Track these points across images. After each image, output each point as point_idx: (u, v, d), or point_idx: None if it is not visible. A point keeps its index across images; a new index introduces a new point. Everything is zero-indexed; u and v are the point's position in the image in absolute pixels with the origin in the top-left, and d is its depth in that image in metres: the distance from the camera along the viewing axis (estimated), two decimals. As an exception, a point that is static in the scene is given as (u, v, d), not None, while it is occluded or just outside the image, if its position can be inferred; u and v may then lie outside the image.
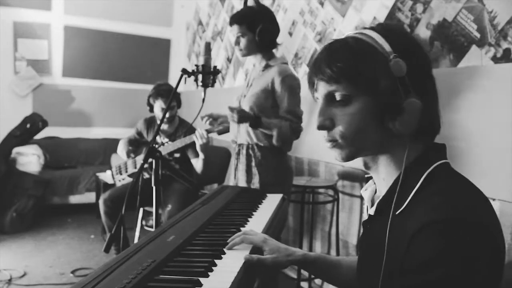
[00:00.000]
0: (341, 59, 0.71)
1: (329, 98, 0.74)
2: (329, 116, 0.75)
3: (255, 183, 2.05)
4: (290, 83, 2.00)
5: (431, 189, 0.68)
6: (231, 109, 1.94)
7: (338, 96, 0.73)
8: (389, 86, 0.70)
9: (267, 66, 2.09)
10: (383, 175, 0.76)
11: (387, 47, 0.70)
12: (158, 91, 2.88)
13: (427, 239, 0.62)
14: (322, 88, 0.75)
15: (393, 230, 0.69)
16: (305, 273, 2.65)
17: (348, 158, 0.75)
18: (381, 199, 0.75)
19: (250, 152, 2.08)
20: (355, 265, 0.94)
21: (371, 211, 0.78)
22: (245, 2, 2.16)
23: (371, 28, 0.74)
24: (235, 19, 2.07)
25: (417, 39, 0.80)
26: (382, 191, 0.77)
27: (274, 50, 2.14)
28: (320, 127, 0.76)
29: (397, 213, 0.70)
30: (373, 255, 0.74)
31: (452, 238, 0.61)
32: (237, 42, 2.09)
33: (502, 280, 0.65)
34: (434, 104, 0.74)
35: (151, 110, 2.98)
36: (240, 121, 1.95)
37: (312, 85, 0.77)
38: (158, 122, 2.95)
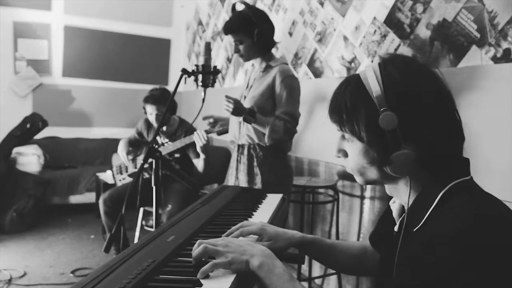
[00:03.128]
0: (337, 112, 0.79)
1: (341, 133, 0.82)
2: (341, 148, 0.83)
3: (258, 183, 2.05)
4: (291, 84, 2.00)
5: (445, 207, 0.71)
6: (228, 99, 1.90)
7: (343, 134, 0.81)
8: (378, 139, 0.73)
9: (267, 67, 2.08)
10: (405, 199, 0.80)
11: (381, 97, 0.72)
12: (147, 96, 2.88)
13: (426, 248, 0.67)
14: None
15: (408, 246, 0.74)
16: (305, 273, 2.65)
17: (365, 184, 0.84)
18: (401, 219, 0.82)
19: (252, 152, 2.08)
20: (350, 250, 1.05)
21: (396, 228, 0.84)
22: (233, 8, 2.12)
23: (382, 63, 0.76)
24: (230, 28, 2.03)
25: (431, 71, 0.77)
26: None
27: (273, 50, 2.13)
28: (337, 156, 0.85)
29: (414, 230, 0.74)
30: (390, 269, 0.78)
31: (447, 252, 0.64)
32: (237, 49, 2.06)
33: None
34: (439, 147, 0.74)
35: (146, 112, 2.99)
36: (235, 112, 1.92)
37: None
38: (154, 125, 2.96)
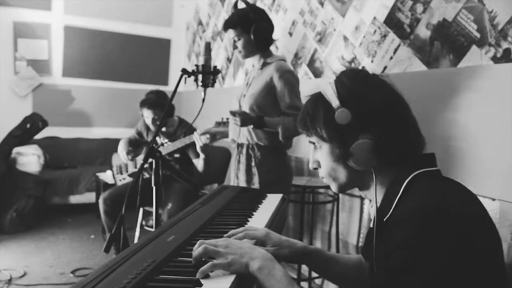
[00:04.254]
0: (301, 119, 0.91)
1: (312, 144, 0.92)
2: (315, 159, 0.92)
3: (255, 183, 2.05)
4: (288, 78, 2.01)
5: (408, 194, 0.78)
6: (233, 113, 1.93)
7: (312, 143, 0.91)
8: (337, 134, 0.83)
9: (264, 64, 2.10)
10: (378, 199, 0.87)
11: (334, 99, 0.83)
12: (143, 100, 2.91)
13: (395, 232, 0.72)
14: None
15: (382, 235, 0.80)
16: (305, 273, 2.65)
17: (339, 191, 0.92)
18: (375, 215, 0.87)
19: (250, 152, 2.09)
20: (350, 261, 1.06)
21: (371, 224, 0.89)
22: (235, 5, 2.15)
23: (337, 77, 0.88)
24: (228, 24, 2.07)
25: (379, 78, 0.88)
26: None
27: (273, 49, 2.14)
28: (312, 168, 0.94)
29: (384, 219, 0.81)
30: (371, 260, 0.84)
31: (415, 227, 0.69)
32: (235, 46, 2.09)
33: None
34: (393, 135, 0.82)
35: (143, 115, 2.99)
36: (243, 124, 1.95)
37: None
38: (151, 128, 2.96)
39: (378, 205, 0.84)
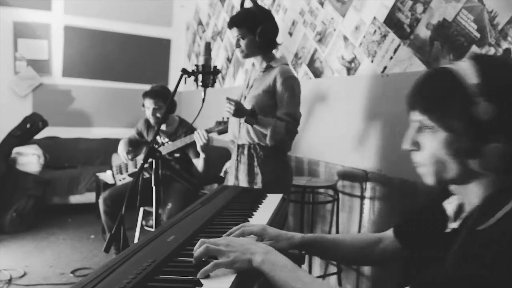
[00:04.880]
0: (428, 95, 0.77)
1: (419, 124, 0.79)
2: (415, 140, 0.80)
3: (258, 183, 2.05)
4: (292, 85, 2.00)
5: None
6: (229, 101, 1.91)
7: (424, 125, 0.78)
8: (472, 128, 0.71)
9: (268, 67, 2.08)
10: (471, 198, 0.79)
11: (477, 87, 0.71)
12: (146, 91, 2.91)
13: (487, 241, 0.66)
14: (414, 114, 0.80)
15: (473, 243, 0.71)
16: (305, 273, 2.65)
17: (436, 185, 0.79)
18: (467, 216, 0.80)
19: (252, 151, 2.08)
20: (357, 242, 1.06)
21: (455, 225, 0.82)
22: (242, 4, 2.15)
23: (476, 59, 0.75)
24: (234, 22, 2.06)
25: None
26: (468, 209, 0.80)
27: (274, 51, 2.14)
28: (409, 149, 0.81)
29: (480, 228, 0.71)
30: (435, 263, 0.78)
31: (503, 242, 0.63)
32: (238, 45, 2.07)
33: None
34: None
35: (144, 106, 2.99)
36: (236, 113, 1.92)
37: (408, 107, 0.82)
38: (151, 121, 2.95)
39: (471, 207, 0.77)
